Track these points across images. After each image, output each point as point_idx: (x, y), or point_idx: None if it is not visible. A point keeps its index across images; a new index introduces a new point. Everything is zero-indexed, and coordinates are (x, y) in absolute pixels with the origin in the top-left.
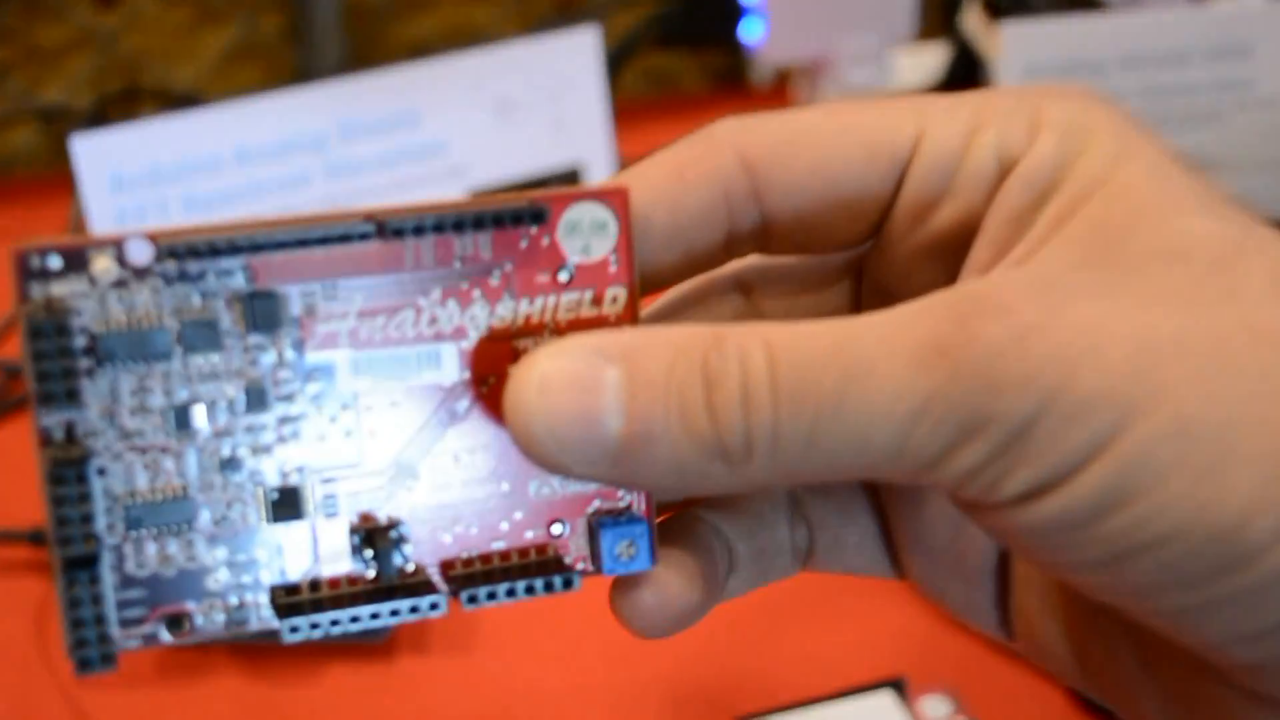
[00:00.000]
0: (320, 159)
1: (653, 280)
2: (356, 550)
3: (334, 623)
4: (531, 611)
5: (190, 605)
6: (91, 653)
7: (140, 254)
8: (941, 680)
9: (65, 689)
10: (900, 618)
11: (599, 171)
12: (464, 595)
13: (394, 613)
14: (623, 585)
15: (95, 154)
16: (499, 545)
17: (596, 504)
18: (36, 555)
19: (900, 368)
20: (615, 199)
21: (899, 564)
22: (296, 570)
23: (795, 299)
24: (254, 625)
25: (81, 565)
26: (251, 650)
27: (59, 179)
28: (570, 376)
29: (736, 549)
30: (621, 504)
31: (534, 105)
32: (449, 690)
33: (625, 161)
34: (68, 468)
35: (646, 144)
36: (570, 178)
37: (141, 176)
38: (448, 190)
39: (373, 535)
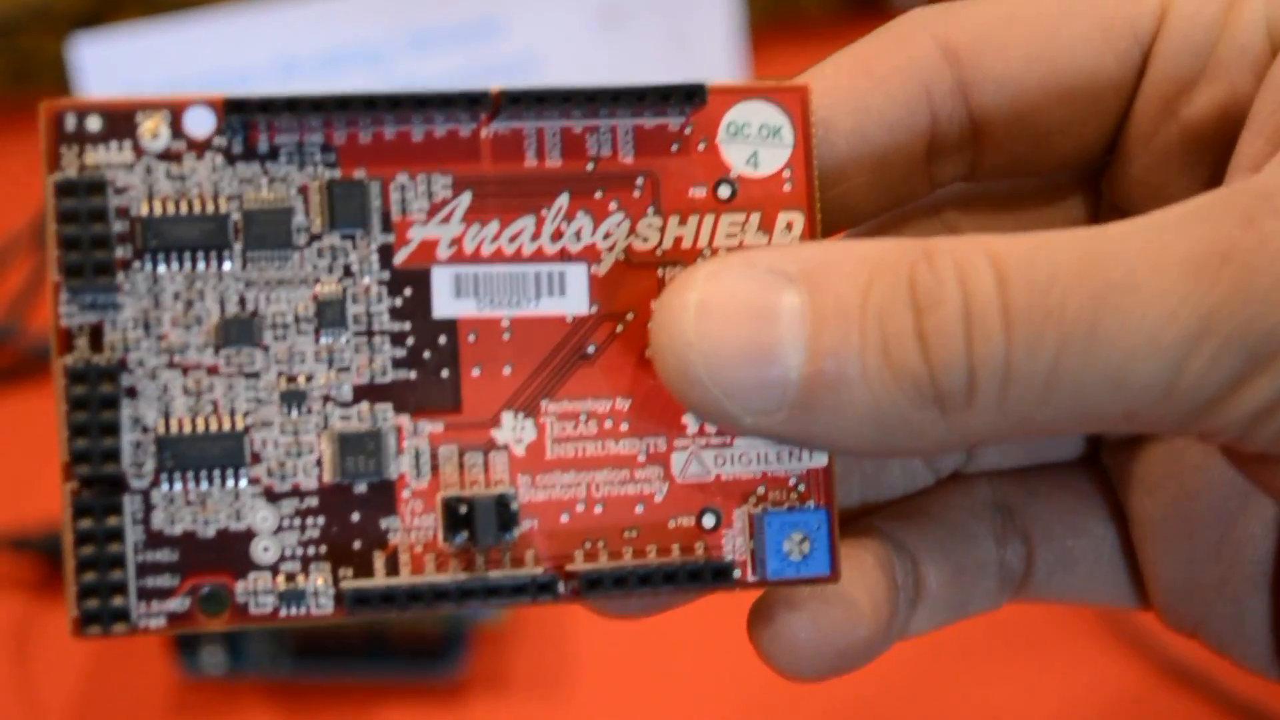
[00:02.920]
0: (379, 75)
1: (835, 205)
2: (450, 521)
3: (412, 596)
4: (643, 643)
5: (232, 578)
6: (101, 606)
7: (201, 124)
8: None
9: None
10: (1104, 655)
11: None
12: (584, 580)
13: (491, 592)
14: (768, 606)
15: (104, 62)
16: (631, 534)
17: (761, 490)
18: (14, 569)
19: (1171, 280)
20: (792, 98)
21: (1142, 586)
22: (371, 541)
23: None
24: (313, 610)
25: (100, 493)
26: (288, 689)
27: (12, 108)
28: (738, 300)
29: (925, 572)
30: (794, 491)
31: (647, 14)
32: None
33: None
34: (92, 379)
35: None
36: None
37: (159, 91)
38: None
39: (471, 503)
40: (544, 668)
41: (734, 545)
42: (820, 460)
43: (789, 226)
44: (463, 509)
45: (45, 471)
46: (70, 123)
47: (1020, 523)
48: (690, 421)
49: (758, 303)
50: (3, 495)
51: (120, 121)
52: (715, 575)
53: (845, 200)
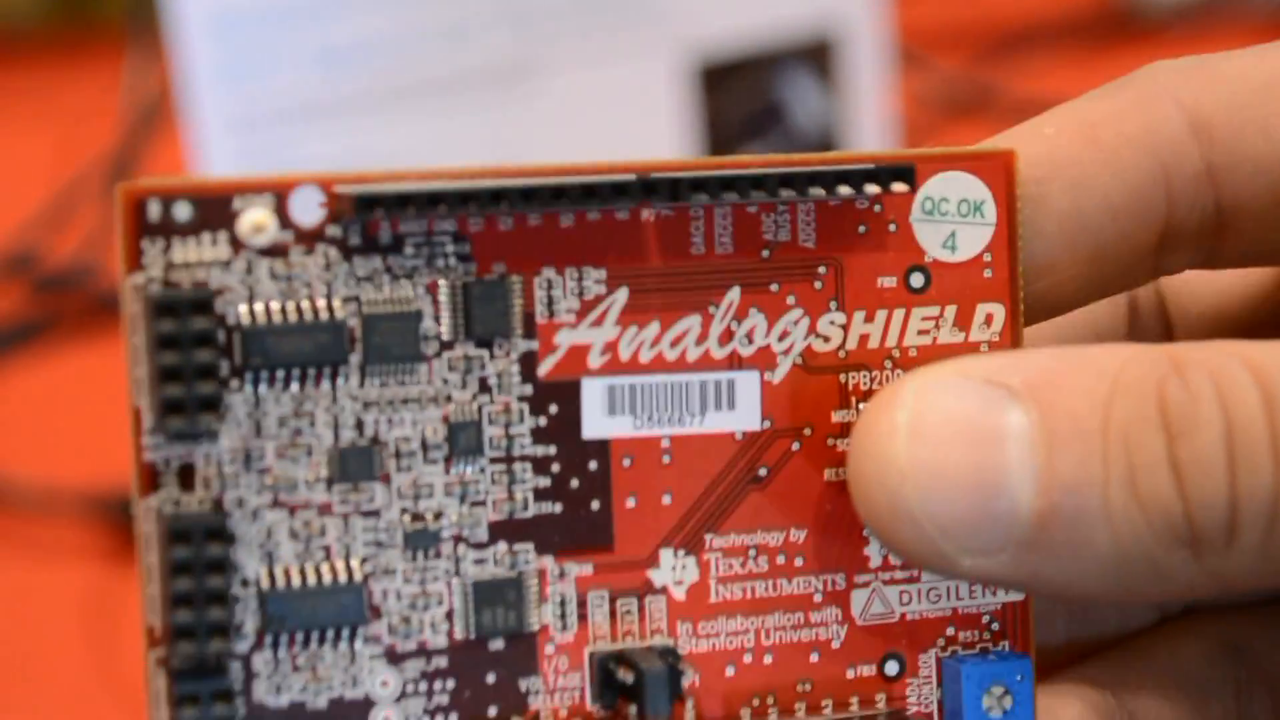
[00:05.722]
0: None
1: (1040, 298)
2: (602, 682)
3: None
4: None
5: None
6: None
7: (310, 208)
8: None
9: (130, 700)
10: None
11: (862, 40)
12: None
13: None
14: None
15: None
16: (805, 687)
17: (950, 630)
18: (85, 535)
19: None
20: (994, 166)
21: None
22: (509, 706)
23: (1251, 329)
24: None
25: (203, 671)
26: None
27: (75, 45)
28: (955, 419)
29: None
30: (988, 630)
31: None
32: None
33: (905, 38)
34: (194, 533)
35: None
36: (816, 51)
37: (256, 18)
38: (653, 52)
39: (637, 669)
40: None
41: (920, 695)
42: (1017, 594)
43: (988, 320)
44: (626, 677)
45: (119, 426)
46: (155, 211)
47: (1266, 670)
48: (873, 553)
49: (979, 422)
50: (72, 452)
51: (214, 209)
52: None
53: (1051, 295)
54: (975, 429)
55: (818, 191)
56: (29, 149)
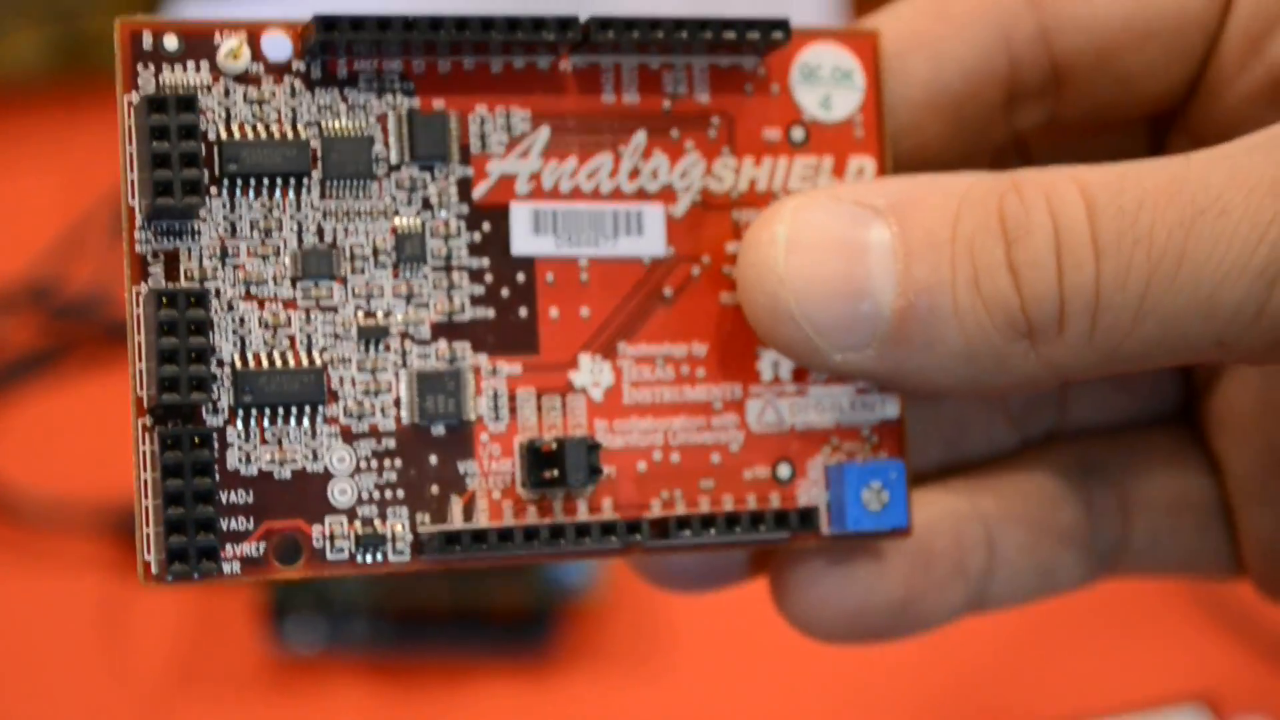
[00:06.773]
0: None
1: (910, 156)
2: (534, 462)
3: (503, 537)
4: (733, 617)
5: (308, 523)
6: (189, 545)
7: (279, 49)
8: (1257, 703)
9: (143, 709)
10: (1198, 632)
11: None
12: (672, 521)
13: (580, 535)
14: (796, 555)
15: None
16: (707, 485)
17: (835, 441)
18: (96, 549)
19: (1261, 201)
20: (863, 44)
21: (1240, 553)
22: (448, 486)
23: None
24: (390, 557)
25: (184, 423)
26: (377, 665)
27: (79, 91)
28: (827, 234)
29: (1000, 537)
30: (867, 443)
31: None
32: (627, 717)
33: None
34: (180, 302)
35: None
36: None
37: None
38: None
39: (560, 441)
40: (634, 643)
41: (809, 497)
42: (892, 411)
43: (860, 173)
44: (550, 445)
45: (123, 452)
46: (147, 41)
47: (1115, 483)
48: (765, 370)
49: (847, 236)
50: (84, 471)
51: (198, 42)
52: (802, 521)
53: (922, 152)
54: (844, 242)
55: (706, 35)
56: (40, 190)
